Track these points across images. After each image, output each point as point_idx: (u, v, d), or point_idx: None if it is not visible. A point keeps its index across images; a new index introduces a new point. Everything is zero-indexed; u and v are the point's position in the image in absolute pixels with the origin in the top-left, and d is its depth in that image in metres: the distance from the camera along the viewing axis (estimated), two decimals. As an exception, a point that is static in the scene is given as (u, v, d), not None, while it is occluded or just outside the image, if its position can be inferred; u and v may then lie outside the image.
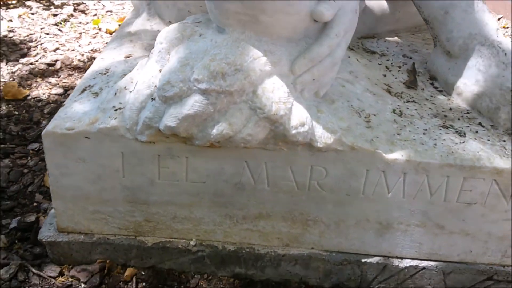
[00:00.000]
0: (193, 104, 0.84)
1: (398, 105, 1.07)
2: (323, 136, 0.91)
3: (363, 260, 1.05)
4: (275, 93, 0.86)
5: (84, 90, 1.06)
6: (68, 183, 1.00)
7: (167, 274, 1.07)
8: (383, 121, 1.00)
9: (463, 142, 0.97)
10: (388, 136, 0.97)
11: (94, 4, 2.71)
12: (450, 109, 1.09)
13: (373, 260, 1.05)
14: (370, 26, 1.40)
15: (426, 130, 1.00)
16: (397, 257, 1.05)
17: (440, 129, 1.01)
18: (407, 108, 1.07)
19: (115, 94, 0.96)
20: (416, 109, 1.07)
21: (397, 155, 0.93)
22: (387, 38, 1.41)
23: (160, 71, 0.88)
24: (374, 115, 1.01)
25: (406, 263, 1.05)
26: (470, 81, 1.09)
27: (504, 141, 0.99)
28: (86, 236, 1.06)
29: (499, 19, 2.80)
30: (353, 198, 0.98)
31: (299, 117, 0.88)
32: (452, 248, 1.04)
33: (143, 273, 1.07)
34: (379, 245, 1.04)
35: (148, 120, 0.89)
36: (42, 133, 0.95)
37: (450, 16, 1.14)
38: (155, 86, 0.88)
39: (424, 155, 0.93)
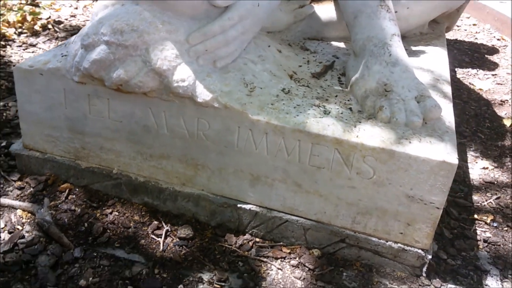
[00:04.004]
0: (99, 51, 1.14)
1: (291, 86, 1.29)
2: (203, 93, 1.17)
3: (238, 205, 1.27)
4: (163, 52, 1.14)
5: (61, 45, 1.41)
6: (30, 109, 1.34)
7: (94, 193, 1.37)
8: (265, 94, 1.23)
9: (321, 117, 1.18)
10: (262, 104, 1.20)
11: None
12: (336, 96, 1.29)
13: (247, 206, 1.27)
14: (318, 30, 1.63)
15: (298, 105, 1.22)
16: (266, 208, 1.27)
17: (312, 107, 1.22)
18: (297, 90, 1.29)
19: (65, 45, 1.30)
20: (304, 92, 1.29)
21: (260, 118, 1.16)
22: (332, 42, 1.63)
23: (90, 28, 1.20)
24: (261, 88, 1.24)
25: (273, 213, 1.26)
26: (360, 75, 1.29)
27: (360, 122, 1.18)
28: (40, 154, 1.40)
29: (468, 18, 2.99)
30: (230, 150, 1.22)
31: (182, 74, 1.15)
32: (310, 207, 1.23)
33: (77, 189, 1.38)
34: (252, 194, 1.26)
35: (77, 64, 1.20)
36: (13, 68, 1.30)
37: (357, 20, 1.36)
38: (84, 39, 1.20)
39: (281, 121, 1.16)
